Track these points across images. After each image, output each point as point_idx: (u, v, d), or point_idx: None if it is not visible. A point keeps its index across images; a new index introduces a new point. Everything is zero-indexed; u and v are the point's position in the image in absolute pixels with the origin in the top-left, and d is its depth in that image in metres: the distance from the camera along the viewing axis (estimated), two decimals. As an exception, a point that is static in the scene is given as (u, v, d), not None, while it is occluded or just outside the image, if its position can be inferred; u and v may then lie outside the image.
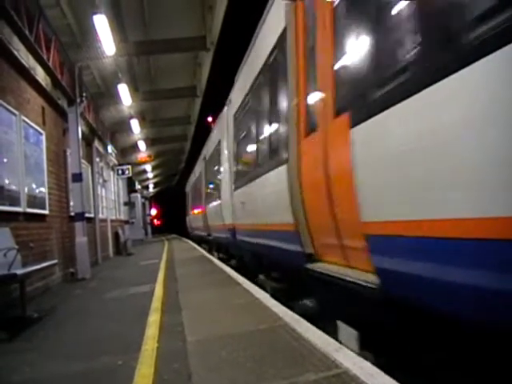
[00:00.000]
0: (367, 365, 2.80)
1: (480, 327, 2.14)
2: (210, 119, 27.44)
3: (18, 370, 3.84)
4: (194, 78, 17.94)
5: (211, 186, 14.34)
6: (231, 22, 15.98)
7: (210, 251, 16.26)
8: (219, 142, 11.46)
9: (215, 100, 15.61)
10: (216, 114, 13.24)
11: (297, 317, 4.29)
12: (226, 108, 10.06)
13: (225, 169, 10.46)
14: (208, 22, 13.15)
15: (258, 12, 6.28)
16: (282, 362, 3.06)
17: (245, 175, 7.85)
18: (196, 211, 20.72)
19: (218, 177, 11.97)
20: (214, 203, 12.88)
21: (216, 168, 12.69)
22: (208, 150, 15.30)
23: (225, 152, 10.35)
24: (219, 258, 12.71)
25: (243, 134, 8.11)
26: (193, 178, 23.21)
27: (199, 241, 21.82)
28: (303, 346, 3.35)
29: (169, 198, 60.16)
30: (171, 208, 62.82)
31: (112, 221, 19.34)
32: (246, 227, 8.03)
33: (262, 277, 7.39)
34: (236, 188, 8.68)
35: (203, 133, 20.43)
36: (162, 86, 17.85)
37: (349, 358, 2.95)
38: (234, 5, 13.13)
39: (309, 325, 3.93)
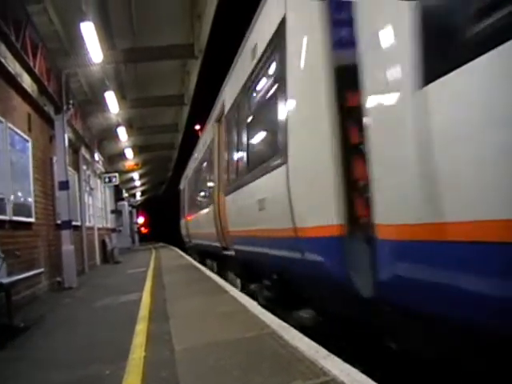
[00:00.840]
0: (354, 372, 2.81)
1: None
2: (197, 127, 27.53)
3: (10, 379, 3.85)
4: (182, 86, 17.92)
5: (242, 155, 6.66)
6: (219, 31, 16.07)
7: (222, 276, 9.57)
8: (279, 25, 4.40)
9: (203, 108, 15.37)
10: (204, 122, 12.64)
11: (284, 324, 4.28)
12: None
13: (304, 85, 3.86)
14: (196, 30, 13.17)
15: (247, 20, 6.25)
16: (269, 370, 3.06)
17: None
18: (199, 211, 13.00)
19: (272, 127, 4.84)
20: (254, 184, 5.53)
21: (258, 111, 5.69)
22: (237, 83, 6.77)
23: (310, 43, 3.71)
24: (253, 297, 6.24)
25: None
26: (192, 165, 16.08)
27: (202, 256, 15.19)
28: (291, 353, 3.35)
29: (156, 206, 59.89)
30: (159, 216, 62.56)
31: (99, 229, 19.17)
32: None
33: None
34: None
35: (191, 141, 20.28)
36: (149, 93, 17.77)
37: (336, 366, 2.95)
38: (223, 13, 13.22)
39: (296, 332, 3.93)
